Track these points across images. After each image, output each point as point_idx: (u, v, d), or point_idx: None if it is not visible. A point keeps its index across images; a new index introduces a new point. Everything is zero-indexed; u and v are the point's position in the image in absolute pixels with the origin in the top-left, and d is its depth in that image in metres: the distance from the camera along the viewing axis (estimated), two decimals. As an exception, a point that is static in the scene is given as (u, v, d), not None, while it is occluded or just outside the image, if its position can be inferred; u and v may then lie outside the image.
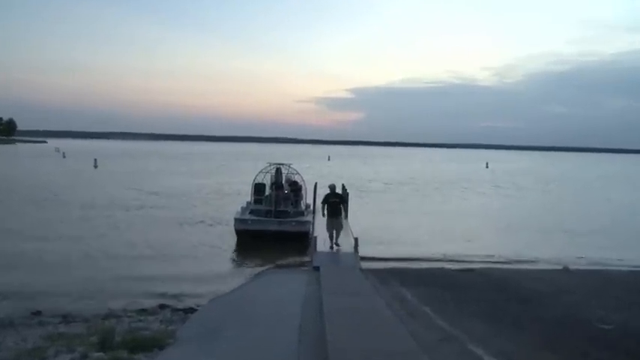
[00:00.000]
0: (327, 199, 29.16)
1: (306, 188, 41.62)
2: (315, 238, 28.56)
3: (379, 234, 37.99)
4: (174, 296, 23.46)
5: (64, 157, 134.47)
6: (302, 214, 36.30)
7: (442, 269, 27.40)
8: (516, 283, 24.03)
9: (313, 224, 34.47)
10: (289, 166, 42.05)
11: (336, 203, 28.86)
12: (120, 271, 26.66)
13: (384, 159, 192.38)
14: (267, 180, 39.15)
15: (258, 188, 39.06)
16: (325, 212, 28.87)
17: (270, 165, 41.49)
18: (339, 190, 33.72)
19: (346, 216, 33.02)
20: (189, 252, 31.66)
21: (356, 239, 27.69)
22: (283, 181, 39.23)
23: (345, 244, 28.81)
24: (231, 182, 72.19)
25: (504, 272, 26.48)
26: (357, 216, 42.94)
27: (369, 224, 40.63)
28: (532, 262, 30.59)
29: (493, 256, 31.78)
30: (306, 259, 28.56)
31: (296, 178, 39.92)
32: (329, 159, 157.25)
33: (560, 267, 28.58)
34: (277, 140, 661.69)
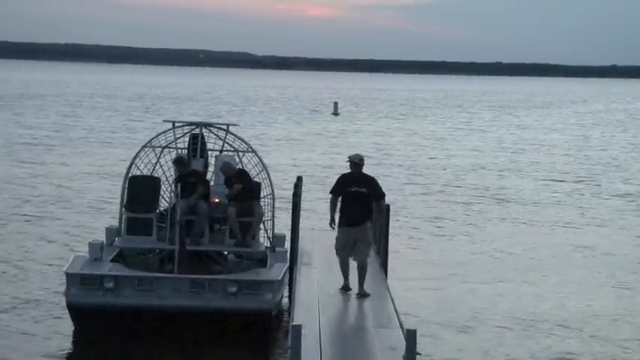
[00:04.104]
0: (342, 186, 13.90)
1: (272, 191, 17.58)
2: (298, 328, 10.45)
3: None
4: None
5: None
6: (261, 259, 16.45)
7: None
8: None
9: (292, 286, 15.47)
10: (228, 133, 17.95)
11: (363, 197, 13.65)
12: None
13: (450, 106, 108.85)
14: (168, 169, 17.80)
15: (140, 192, 16.78)
16: (336, 214, 14.22)
17: (175, 127, 17.59)
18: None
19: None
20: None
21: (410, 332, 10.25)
22: (211, 174, 17.66)
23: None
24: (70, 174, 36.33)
25: None
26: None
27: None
28: None
29: None
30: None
31: (246, 164, 17.85)
32: (336, 110, 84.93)
33: None
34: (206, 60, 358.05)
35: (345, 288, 14.21)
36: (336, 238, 14.25)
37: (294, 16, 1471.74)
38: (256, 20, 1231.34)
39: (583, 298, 18.66)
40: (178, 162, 16.48)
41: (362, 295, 13.91)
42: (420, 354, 10.46)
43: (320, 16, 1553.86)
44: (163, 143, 17.38)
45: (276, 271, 15.34)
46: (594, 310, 17.76)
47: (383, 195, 14.23)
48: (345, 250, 14.16)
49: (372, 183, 14.07)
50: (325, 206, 14.88)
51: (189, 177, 16.29)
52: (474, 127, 72.92)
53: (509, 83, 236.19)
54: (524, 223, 27.58)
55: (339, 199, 14.18)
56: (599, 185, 37.32)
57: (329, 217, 14.27)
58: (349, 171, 14.18)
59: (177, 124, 17.39)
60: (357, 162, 14.03)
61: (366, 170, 14.19)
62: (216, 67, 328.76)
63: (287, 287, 16.31)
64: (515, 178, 38.93)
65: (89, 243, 15.84)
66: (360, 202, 13.98)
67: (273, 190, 17.38)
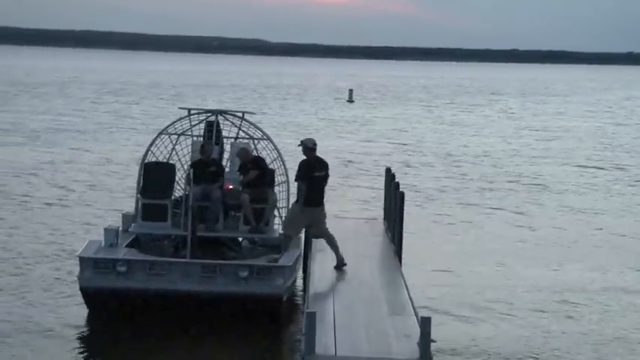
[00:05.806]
0: (310, 172, 15.03)
1: (287, 178, 17.59)
2: (312, 315, 10.52)
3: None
4: None
5: None
6: (275, 246, 16.38)
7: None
8: None
9: (307, 273, 15.63)
10: (243, 120, 17.93)
11: (324, 179, 15.38)
12: None
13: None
14: (183, 156, 17.82)
15: (155, 178, 16.83)
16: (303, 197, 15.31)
17: (190, 114, 17.55)
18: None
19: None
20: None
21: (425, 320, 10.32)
22: (226, 161, 17.71)
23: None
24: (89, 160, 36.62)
25: None
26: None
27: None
28: None
29: None
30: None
31: (261, 151, 17.95)
32: (351, 97, 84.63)
33: None
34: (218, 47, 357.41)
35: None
36: (296, 216, 15.13)
37: (307, 2, 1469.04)
38: (269, 7, 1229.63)
39: (607, 284, 18.54)
40: (204, 146, 16.48)
41: (342, 263, 14.99)
42: (434, 341, 10.42)
43: (333, 2, 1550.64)
44: (179, 130, 17.42)
45: (288, 256, 15.34)
46: (614, 296, 17.72)
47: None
48: (298, 229, 15.55)
49: (327, 166, 15.42)
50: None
51: (209, 165, 16.33)
52: (498, 114, 72.77)
53: (526, 71, 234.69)
54: (550, 209, 27.39)
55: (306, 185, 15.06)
56: (625, 171, 37.41)
57: (301, 200, 14.99)
58: (307, 153, 15.04)
59: (192, 112, 17.42)
60: (311, 147, 15.14)
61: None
62: (230, 54, 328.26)
63: (299, 273, 16.35)
64: (543, 164, 38.80)
65: (104, 229, 15.88)
66: (322, 185, 15.31)
67: (288, 178, 17.39)
